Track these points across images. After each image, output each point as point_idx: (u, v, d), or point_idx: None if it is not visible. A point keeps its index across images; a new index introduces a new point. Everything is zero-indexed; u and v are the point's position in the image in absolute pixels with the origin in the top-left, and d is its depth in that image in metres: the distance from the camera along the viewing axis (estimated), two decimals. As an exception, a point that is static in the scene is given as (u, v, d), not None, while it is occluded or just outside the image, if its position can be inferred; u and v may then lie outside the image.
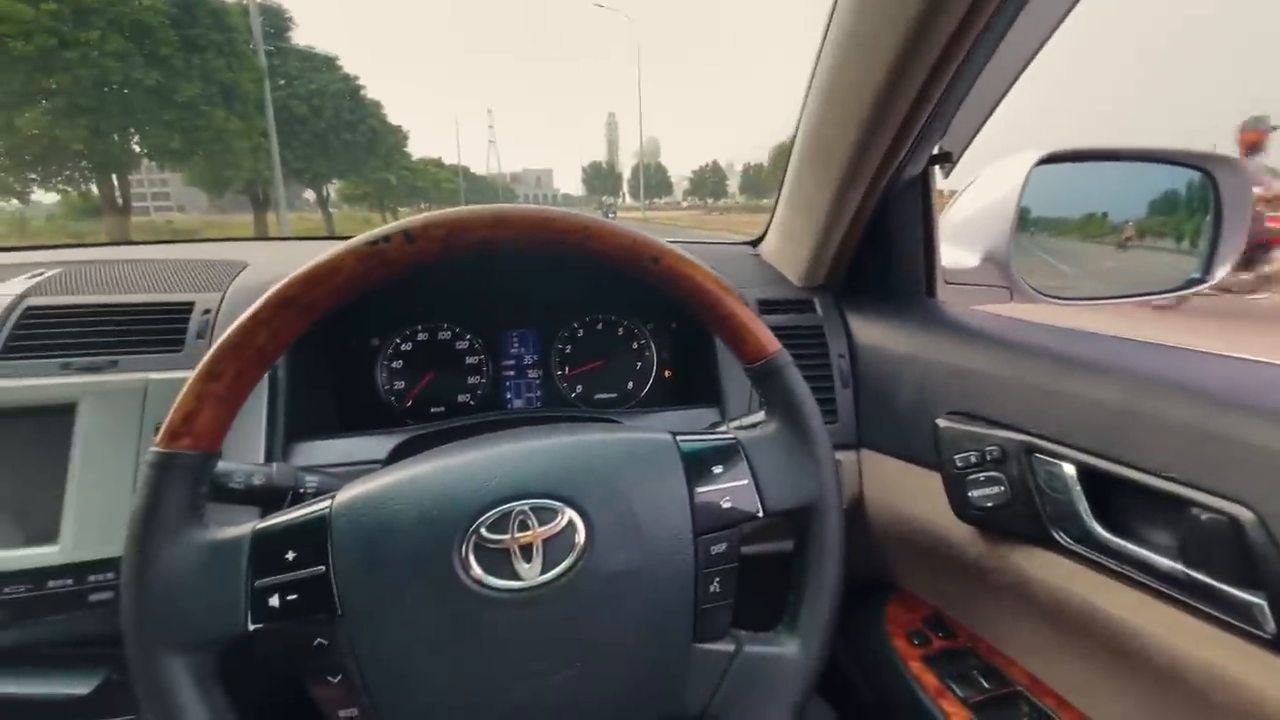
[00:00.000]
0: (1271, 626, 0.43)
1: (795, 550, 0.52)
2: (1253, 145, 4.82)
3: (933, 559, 0.75)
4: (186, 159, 17.93)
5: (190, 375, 0.42)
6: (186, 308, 0.74)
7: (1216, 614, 0.46)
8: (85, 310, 0.72)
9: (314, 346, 0.85)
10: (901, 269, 0.89)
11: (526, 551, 0.43)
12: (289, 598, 0.41)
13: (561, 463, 0.46)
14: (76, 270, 0.79)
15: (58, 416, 0.63)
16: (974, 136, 0.78)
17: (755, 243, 1.04)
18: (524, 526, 0.43)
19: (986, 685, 0.71)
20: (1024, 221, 0.83)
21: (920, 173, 0.82)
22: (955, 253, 0.87)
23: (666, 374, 1.01)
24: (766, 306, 0.89)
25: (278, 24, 23.00)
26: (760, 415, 0.56)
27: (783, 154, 0.90)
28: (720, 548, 0.47)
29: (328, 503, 0.43)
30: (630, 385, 1.00)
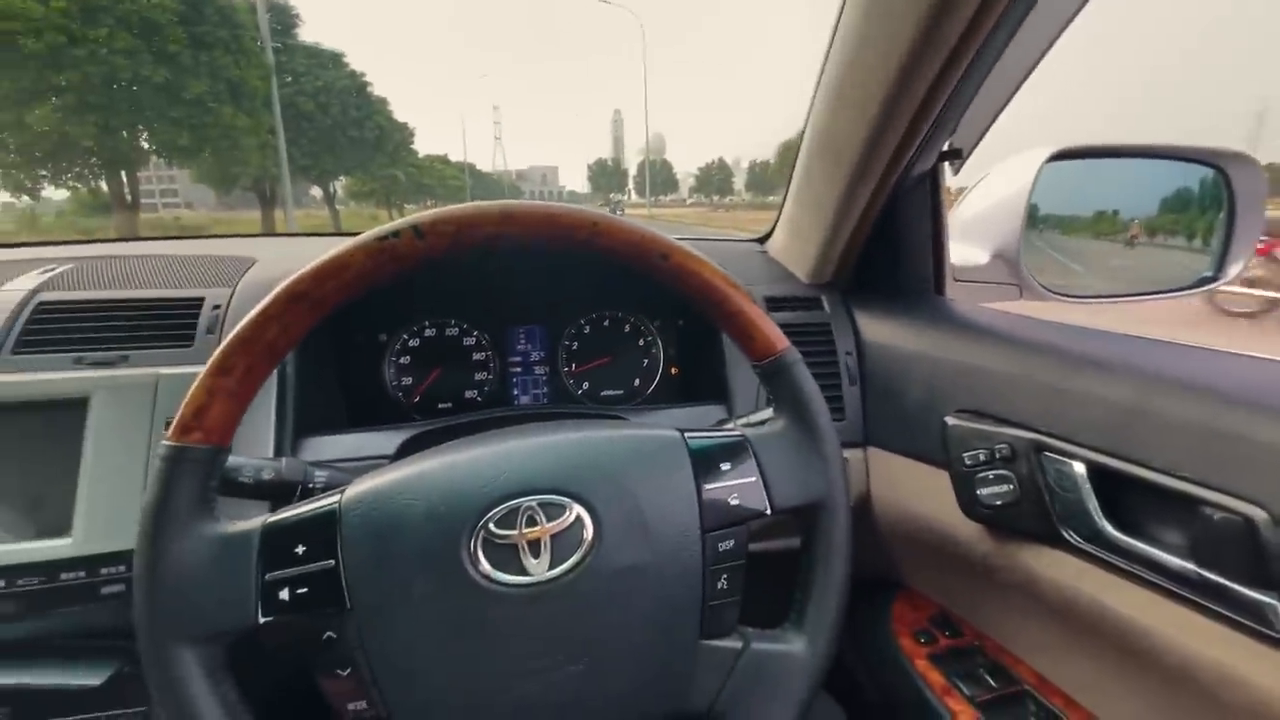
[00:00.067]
0: None
1: (803, 547, 0.52)
2: None
3: (940, 557, 0.75)
4: (194, 156, 18.03)
5: (201, 370, 0.42)
6: (196, 303, 0.74)
7: (1227, 614, 0.46)
8: (96, 305, 0.72)
9: (322, 342, 0.85)
10: (910, 266, 0.89)
11: (534, 547, 0.43)
12: (299, 591, 0.41)
13: (570, 459, 0.46)
14: (87, 266, 0.80)
15: (70, 411, 0.63)
16: (984, 133, 0.78)
17: (763, 240, 1.04)
18: (532, 522, 0.43)
19: (993, 684, 0.71)
20: (1034, 219, 0.83)
21: (929, 169, 0.82)
22: (964, 250, 0.87)
23: (673, 371, 1.01)
24: (774, 304, 0.89)
25: (284, 21, 23.06)
26: (768, 412, 0.56)
27: (790, 151, 0.90)
28: (728, 545, 0.47)
29: (337, 497, 0.44)
30: (637, 382, 1.00)
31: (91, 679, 0.63)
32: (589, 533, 0.44)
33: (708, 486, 0.47)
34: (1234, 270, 0.83)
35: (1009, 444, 0.63)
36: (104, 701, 0.63)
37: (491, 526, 0.43)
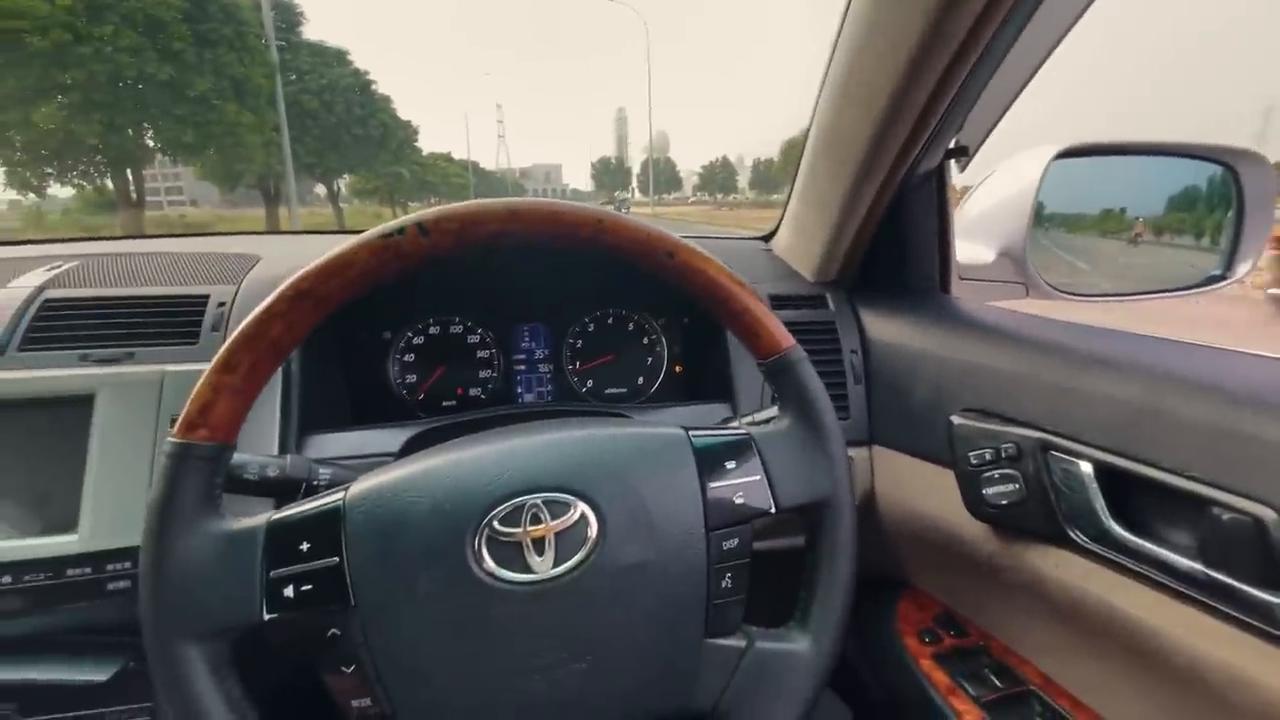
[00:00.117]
0: None
1: (807, 546, 0.51)
2: None
3: (945, 556, 0.75)
4: (199, 153, 18.10)
5: (206, 367, 0.42)
6: (201, 300, 0.74)
7: (1236, 614, 0.46)
8: (102, 302, 0.73)
9: (327, 340, 0.85)
10: (915, 264, 0.89)
11: (539, 545, 0.43)
12: (303, 588, 0.41)
13: (574, 457, 0.46)
14: (93, 263, 0.80)
15: (76, 407, 0.64)
16: (990, 131, 0.77)
17: (767, 238, 1.04)
18: (536, 520, 0.43)
19: (999, 684, 0.71)
20: (1040, 217, 0.82)
21: (936, 167, 0.81)
22: (970, 248, 0.86)
23: (677, 369, 1.00)
24: (778, 302, 0.88)
25: (289, 19, 23.10)
26: (773, 411, 0.56)
27: (794, 149, 0.89)
28: (732, 543, 0.47)
29: (341, 494, 0.44)
30: (641, 380, 1.00)
31: (97, 675, 0.63)
32: (593, 531, 0.44)
33: (712, 485, 0.47)
34: (1243, 269, 0.82)
35: (1015, 443, 0.62)
36: (110, 697, 0.64)
37: (496, 524, 0.43)
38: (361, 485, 0.44)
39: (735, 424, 0.57)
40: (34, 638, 0.63)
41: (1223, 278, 0.84)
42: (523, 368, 0.98)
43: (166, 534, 0.40)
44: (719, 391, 0.85)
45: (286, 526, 0.43)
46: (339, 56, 24.93)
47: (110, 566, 0.61)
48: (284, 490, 0.53)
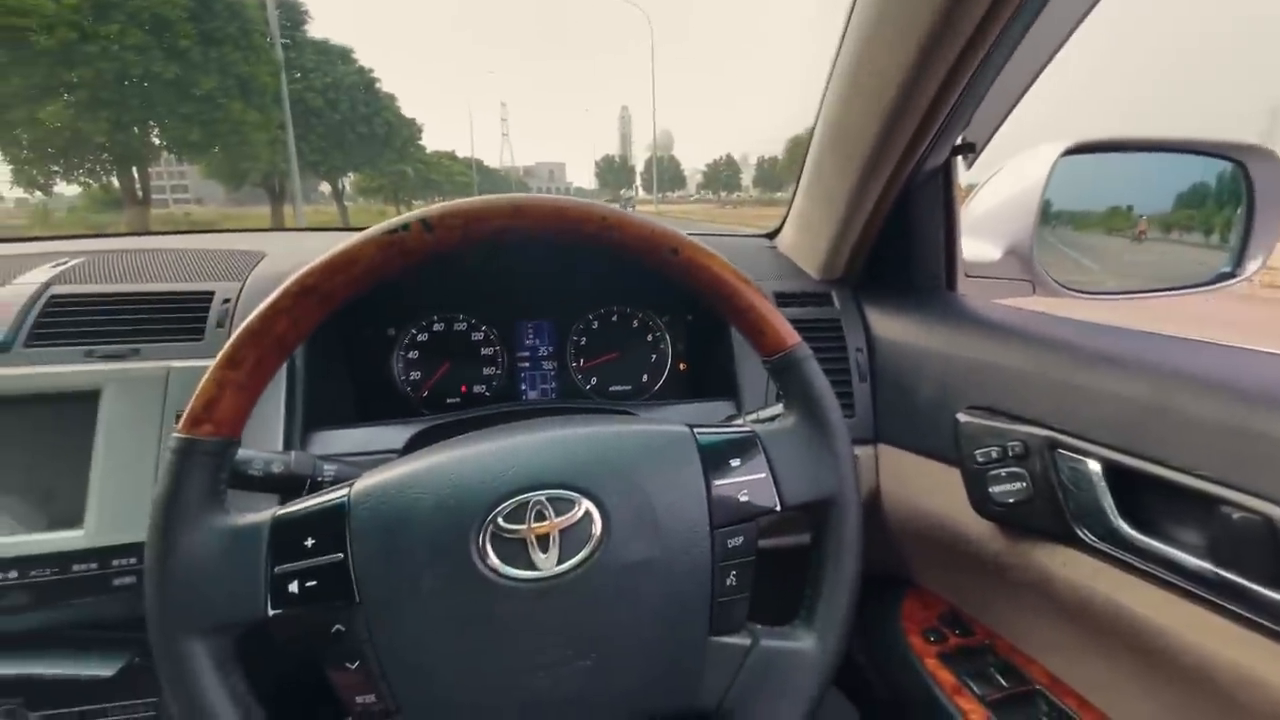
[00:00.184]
0: None
1: (813, 544, 0.51)
2: None
3: (951, 555, 0.75)
4: (205, 151, 18.16)
5: (211, 363, 0.42)
6: (207, 296, 0.74)
7: (1246, 614, 0.45)
8: (108, 298, 0.73)
9: (331, 336, 0.85)
10: (922, 262, 0.88)
11: (543, 542, 0.43)
12: (308, 584, 0.41)
13: (579, 454, 0.46)
14: (99, 259, 0.80)
15: (82, 403, 0.64)
16: (998, 127, 0.77)
17: (772, 235, 1.04)
18: (541, 517, 0.43)
19: (1004, 683, 0.70)
20: (1047, 214, 0.82)
21: (942, 163, 0.81)
22: (977, 245, 0.86)
23: (682, 367, 1.00)
24: (783, 299, 0.88)
25: (294, 17, 23.13)
26: (778, 408, 0.56)
27: (798, 147, 0.89)
28: (737, 541, 0.47)
29: (346, 491, 0.44)
30: (645, 378, 1.00)
31: (103, 670, 0.63)
32: (598, 528, 0.44)
33: (717, 482, 0.47)
34: (1253, 267, 0.81)
35: (1022, 441, 0.62)
36: (116, 692, 0.64)
37: (500, 521, 0.43)
38: (366, 482, 0.44)
39: (740, 421, 0.57)
40: (40, 633, 0.63)
41: (1232, 275, 0.83)
42: (527, 365, 0.98)
43: (172, 529, 0.40)
44: (724, 389, 0.85)
45: (291, 522, 0.43)
46: (343, 55, 24.96)
47: (116, 562, 0.61)
48: (289, 486, 0.53)
